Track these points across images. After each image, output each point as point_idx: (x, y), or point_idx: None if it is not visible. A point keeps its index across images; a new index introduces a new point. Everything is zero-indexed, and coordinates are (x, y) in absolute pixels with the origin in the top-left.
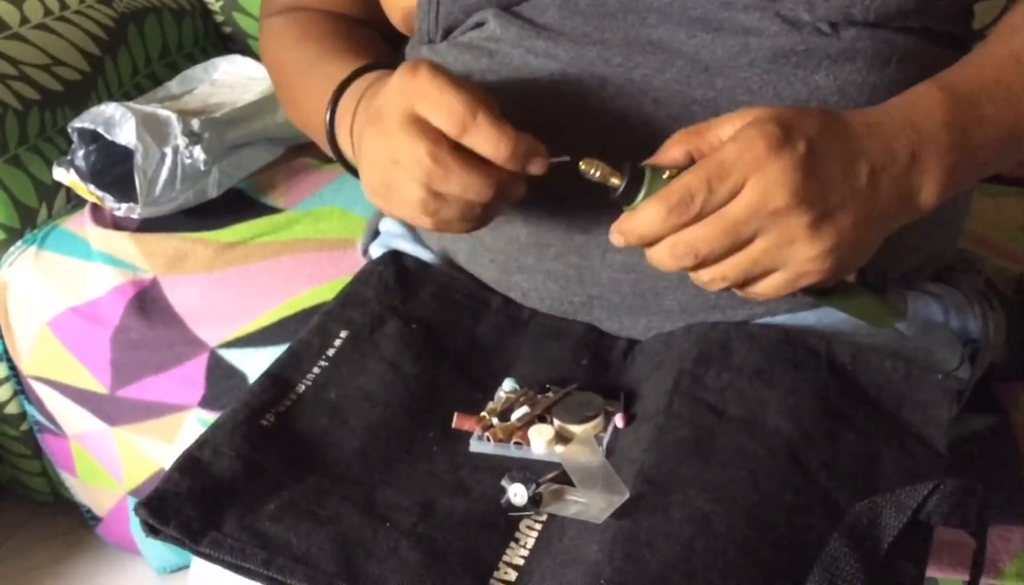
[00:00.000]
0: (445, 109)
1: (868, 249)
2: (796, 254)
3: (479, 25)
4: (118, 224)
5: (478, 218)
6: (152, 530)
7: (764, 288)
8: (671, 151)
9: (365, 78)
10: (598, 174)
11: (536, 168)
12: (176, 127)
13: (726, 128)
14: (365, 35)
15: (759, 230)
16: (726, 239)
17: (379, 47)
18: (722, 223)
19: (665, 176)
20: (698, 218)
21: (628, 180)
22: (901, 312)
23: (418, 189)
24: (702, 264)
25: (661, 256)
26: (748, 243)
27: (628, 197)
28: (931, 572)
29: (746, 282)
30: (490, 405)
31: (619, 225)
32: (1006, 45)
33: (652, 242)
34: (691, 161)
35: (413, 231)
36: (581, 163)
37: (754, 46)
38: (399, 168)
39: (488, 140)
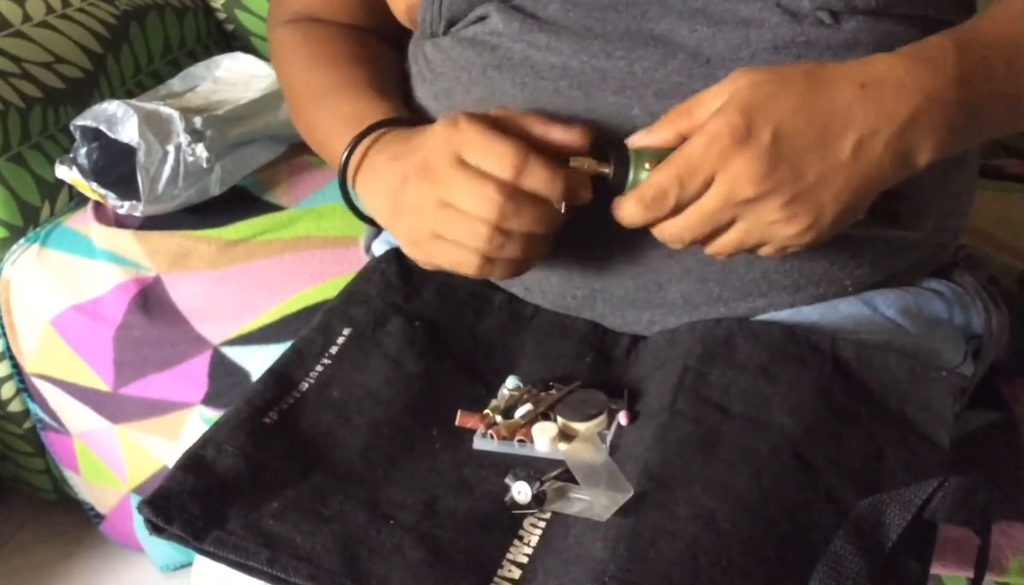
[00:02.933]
0: (496, 156)
1: (860, 207)
2: (776, 232)
3: (482, 19)
4: (121, 222)
5: (533, 258)
6: (156, 528)
7: (762, 252)
8: (662, 131)
9: (371, 137)
10: (587, 167)
11: (585, 195)
12: (179, 125)
13: (713, 103)
14: (375, 53)
15: (735, 217)
16: (705, 227)
17: (389, 63)
18: (698, 215)
19: (647, 166)
20: (676, 211)
21: (615, 167)
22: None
23: (483, 227)
24: (693, 244)
25: (656, 233)
26: (731, 226)
27: (620, 182)
28: (935, 569)
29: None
30: (493, 402)
31: (613, 208)
32: (1018, 2)
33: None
34: (682, 140)
35: None
36: (570, 162)
37: (755, 38)
38: (452, 211)
39: (544, 180)
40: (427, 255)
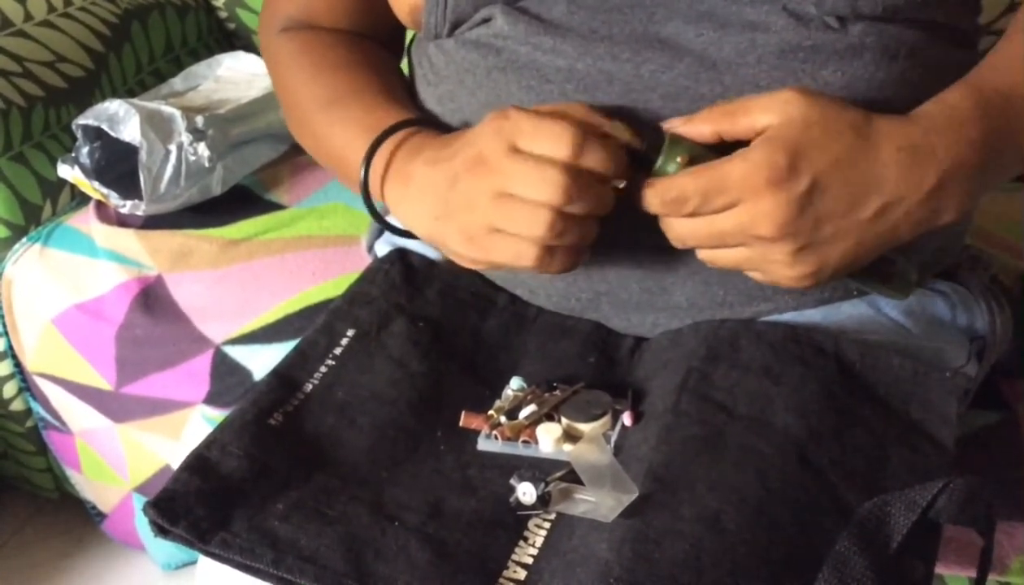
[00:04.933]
0: (554, 137)
1: (862, 263)
2: (774, 271)
3: (486, 21)
4: (123, 221)
5: (587, 244)
6: (161, 530)
7: (753, 276)
8: (701, 126)
9: (400, 137)
10: (623, 135)
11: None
12: (180, 124)
13: (760, 118)
14: (378, 59)
15: (743, 244)
16: (711, 241)
17: (393, 69)
18: (709, 228)
19: (678, 160)
20: (690, 216)
21: (648, 146)
22: (912, 281)
23: (545, 213)
24: (693, 248)
25: (662, 224)
26: (735, 246)
27: (647, 162)
28: (937, 569)
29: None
30: (498, 403)
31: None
32: None
33: None
34: (719, 141)
35: None
36: (608, 127)
37: (761, 42)
38: (511, 201)
39: (602, 157)
40: (484, 252)
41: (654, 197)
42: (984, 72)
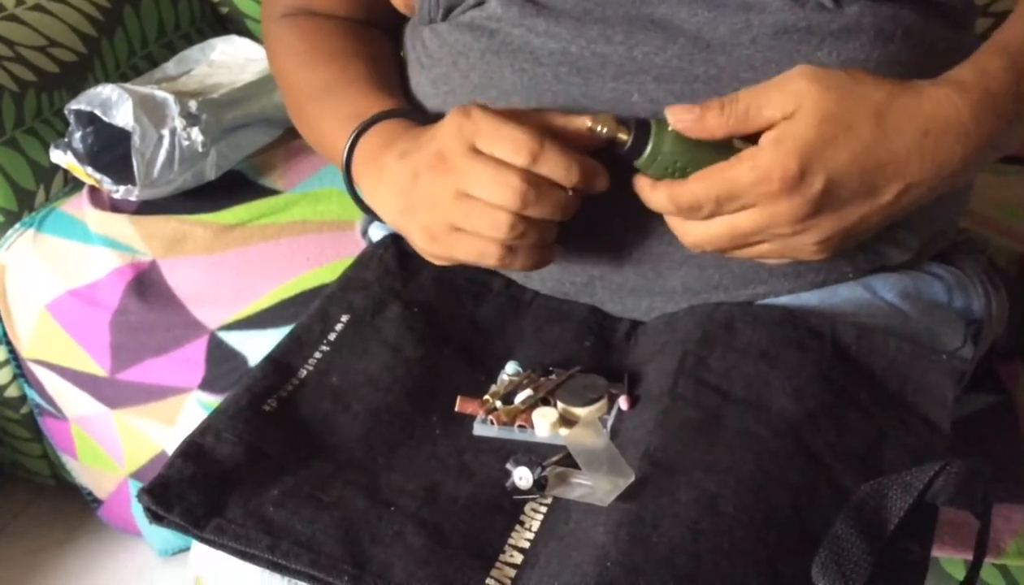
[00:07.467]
0: (511, 142)
1: (878, 231)
2: (798, 254)
3: (480, 4)
4: (116, 206)
5: (550, 246)
6: (155, 516)
7: (770, 262)
8: (714, 129)
9: (379, 127)
10: (605, 130)
11: (602, 183)
12: (173, 108)
13: (773, 115)
14: (374, 47)
15: (765, 239)
16: (731, 243)
17: (388, 57)
18: (728, 231)
19: (670, 128)
20: (706, 219)
21: (635, 135)
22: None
23: (504, 216)
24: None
25: (675, 231)
26: (755, 244)
27: (635, 152)
28: (933, 552)
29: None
30: (493, 388)
31: (639, 186)
32: None
33: None
34: (728, 137)
35: None
36: (588, 120)
37: (756, 23)
38: (471, 201)
39: (559, 165)
40: (447, 249)
41: (668, 203)
42: (1008, 33)
